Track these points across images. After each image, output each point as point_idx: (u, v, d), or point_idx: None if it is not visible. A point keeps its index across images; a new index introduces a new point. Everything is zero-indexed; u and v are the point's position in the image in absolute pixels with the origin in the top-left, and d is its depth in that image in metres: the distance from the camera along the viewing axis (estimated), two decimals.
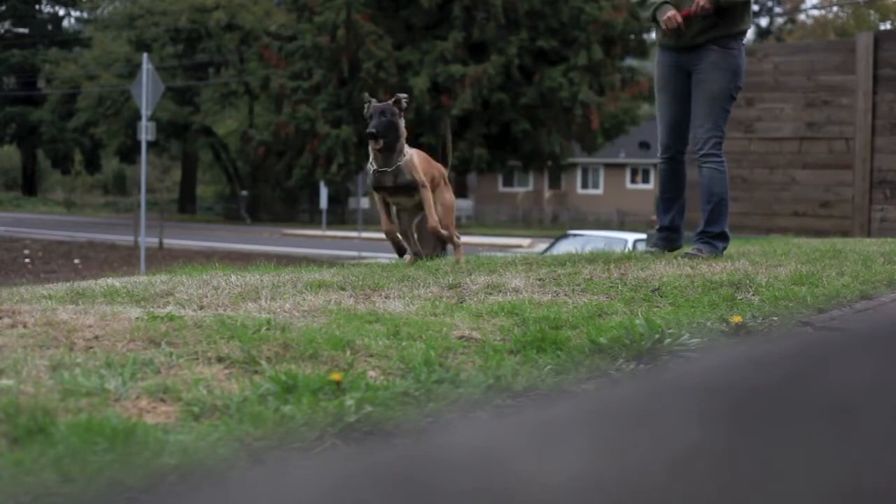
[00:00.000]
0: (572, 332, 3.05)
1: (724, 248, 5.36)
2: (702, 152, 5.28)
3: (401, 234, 5.16)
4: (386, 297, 3.58)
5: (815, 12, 47.24)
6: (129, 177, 59.32)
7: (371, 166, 4.95)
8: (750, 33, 5.56)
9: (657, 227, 5.61)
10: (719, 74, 5.24)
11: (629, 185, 49.93)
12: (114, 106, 42.41)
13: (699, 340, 3.02)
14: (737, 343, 3.08)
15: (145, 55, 17.97)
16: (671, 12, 5.22)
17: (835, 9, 44.50)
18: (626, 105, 23.48)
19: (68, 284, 3.89)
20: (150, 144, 18.91)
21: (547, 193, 50.36)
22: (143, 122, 17.16)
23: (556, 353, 2.81)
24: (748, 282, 4.10)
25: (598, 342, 2.90)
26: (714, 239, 5.31)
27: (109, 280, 4.10)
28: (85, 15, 54.04)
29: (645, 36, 24.76)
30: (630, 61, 25.17)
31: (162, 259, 20.96)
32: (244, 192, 47.52)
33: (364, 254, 23.97)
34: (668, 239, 5.49)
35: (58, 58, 46.43)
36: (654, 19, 5.33)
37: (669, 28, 5.21)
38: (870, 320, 3.38)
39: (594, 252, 5.59)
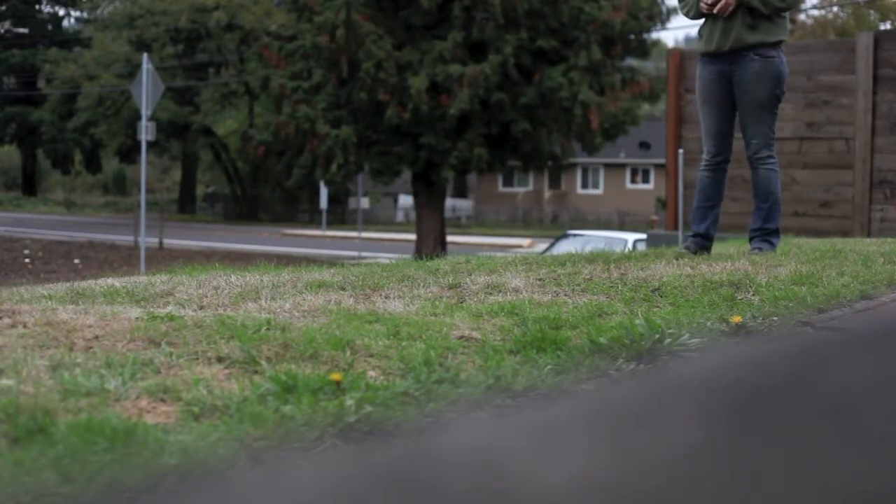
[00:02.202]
0: (572, 332, 3.04)
1: (777, 243, 5.69)
2: (758, 156, 5.54)
3: None
4: (386, 297, 3.57)
5: (815, 12, 47.21)
6: (129, 177, 59.41)
7: None
8: None
9: (691, 232, 5.65)
10: (764, 84, 5.40)
11: (629, 186, 49.95)
12: (114, 106, 42.39)
13: (699, 340, 3.02)
14: (737, 343, 3.08)
15: (145, 55, 17.97)
16: None
17: (835, 9, 44.49)
18: (627, 105, 23.39)
19: (68, 284, 3.88)
20: (150, 144, 18.90)
21: (547, 193, 50.36)
22: (143, 122, 17.16)
23: (556, 353, 2.81)
24: (748, 282, 4.10)
25: (598, 342, 2.90)
26: (770, 235, 5.61)
27: (109, 280, 4.09)
28: (85, 15, 54.00)
29: (645, 36, 24.72)
30: (630, 61, 25.12)
31: (162, 259, 20.97)
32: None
33: (364, 254, 23.98)
34: (701, 245, 5.58)
35: (58, 58, 46.38)
36: (698, 12, 5.43)
37: (721, 11, 5.29)
38: (870, 320, 3.38)
39: (594, 252, 5.59)
